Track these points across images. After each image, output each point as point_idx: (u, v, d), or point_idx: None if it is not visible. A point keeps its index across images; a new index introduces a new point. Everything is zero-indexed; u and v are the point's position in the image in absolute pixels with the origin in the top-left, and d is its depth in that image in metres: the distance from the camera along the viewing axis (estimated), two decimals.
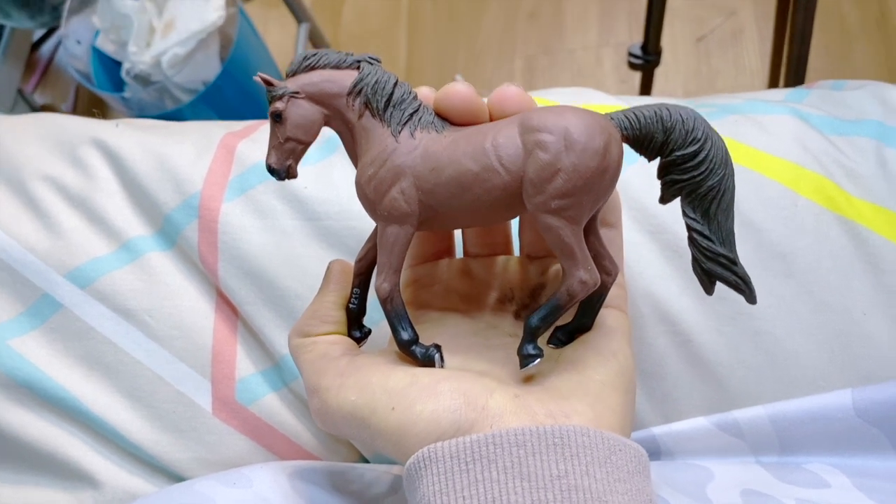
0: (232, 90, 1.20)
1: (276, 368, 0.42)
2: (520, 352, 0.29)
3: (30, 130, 0.47)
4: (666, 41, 1.30)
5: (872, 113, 0.44)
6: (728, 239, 0.29)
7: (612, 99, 0.48)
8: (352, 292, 0.34)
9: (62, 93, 1.60)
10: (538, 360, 0.29)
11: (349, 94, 0.30)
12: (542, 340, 0.31)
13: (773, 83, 1.03)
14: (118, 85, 1.25)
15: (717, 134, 0.28)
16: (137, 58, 1.17)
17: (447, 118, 0.30)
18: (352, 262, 0.35)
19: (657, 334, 0.40)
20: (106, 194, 0.44)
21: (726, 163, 0.28)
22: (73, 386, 0.41)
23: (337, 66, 0.30)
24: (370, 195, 0.30)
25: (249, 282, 0.42)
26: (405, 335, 0.30)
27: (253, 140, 0.46)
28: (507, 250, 0.37)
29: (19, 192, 0.44)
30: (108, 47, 1.23)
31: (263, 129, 0.48)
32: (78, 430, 0.41)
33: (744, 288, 0.29)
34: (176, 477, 0.41)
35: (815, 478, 0.35)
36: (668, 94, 1.33)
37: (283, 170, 0.30)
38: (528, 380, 0.30)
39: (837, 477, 0.35)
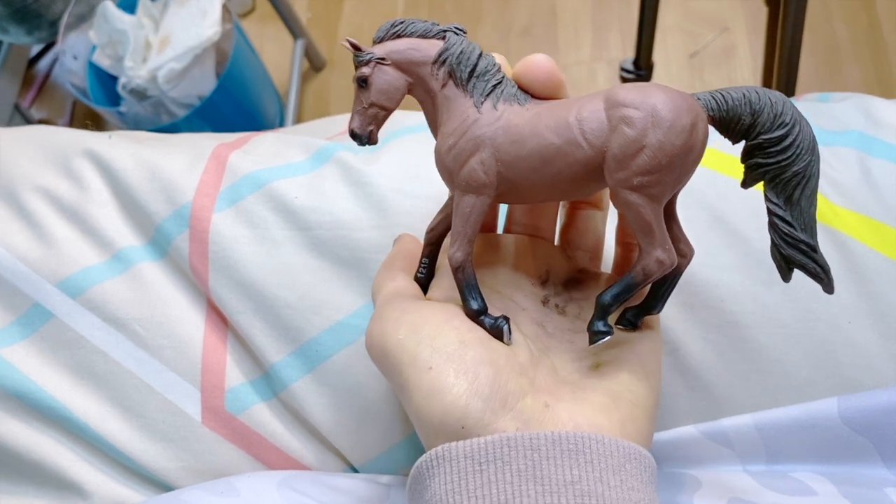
0: (227, 105, 1.21)
1: (266, 378, 0.42)
2: (590, 328, 0.29)
3: (23, 142, 0.47)
4: (660, 57, 1.31)
5: (855, 124, 0.44)
6: (810, 226, 0.28)
7: None
8: (421, 262, 0.34)
9: (59, 108, 1.61)
10: (608, 337, 0.28)
11: (434, 62, 0.30)
12: (611, 320, 0.30)
13: None
14: (114, 100, 1.26)
15: (806, 120, 0.28)
16: (134, 73, 1.18)
17: (529, 91, 0.30)
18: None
19: None
20: (98, 205, 0.44)
21: (813, 149, 0.27)
22: (63, 395, 0.41)
23: (423, 35, 0.30)
24: (449, 164, 0.30)
25: (240, 291, 0.42)
26: (475, 304, 0.30)
27: (245, 151, 0.46)
28: (550, 236, 0.36)
29: (11, 202, 0.45)
30: (104, 62, 1.23)
31: (255, 140, 0.49)
32: (67, 439, 0.41)
33: (822, 276, 0.29)
34: (164, 487, 0.41)
35: (802, 486, 0.35)
36: None
37: (364, 135, 0.31)
38: (566, 388, 0.29)
39: (824, 485, 0.35)
